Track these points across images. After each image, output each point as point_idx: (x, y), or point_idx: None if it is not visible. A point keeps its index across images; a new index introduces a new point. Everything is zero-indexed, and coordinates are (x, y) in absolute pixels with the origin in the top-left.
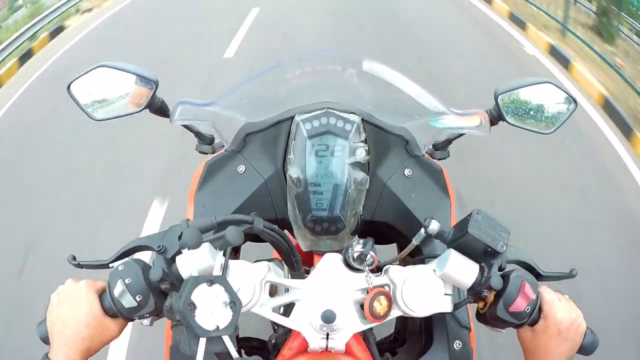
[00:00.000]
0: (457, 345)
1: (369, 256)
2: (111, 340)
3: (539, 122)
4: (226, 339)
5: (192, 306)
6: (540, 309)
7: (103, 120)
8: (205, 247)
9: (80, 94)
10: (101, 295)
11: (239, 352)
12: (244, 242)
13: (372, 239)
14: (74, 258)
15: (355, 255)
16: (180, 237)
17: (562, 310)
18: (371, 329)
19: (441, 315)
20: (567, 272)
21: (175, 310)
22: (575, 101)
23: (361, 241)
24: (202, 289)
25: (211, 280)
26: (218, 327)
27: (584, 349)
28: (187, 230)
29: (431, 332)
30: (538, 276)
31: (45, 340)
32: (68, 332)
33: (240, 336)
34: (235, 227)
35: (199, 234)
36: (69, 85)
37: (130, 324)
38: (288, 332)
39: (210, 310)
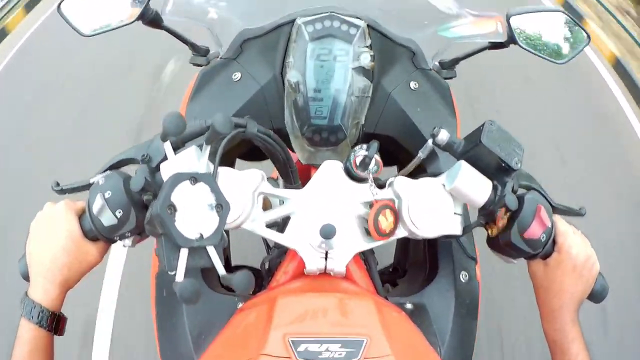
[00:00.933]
0: (463, 276)
1: (373, 161)
2: (91, 268)
3: (550, 49)
4: (211, 251)
5: (172, 209)
6: (554, 242)
7: (92, 35)
8: (192, 150)
9: (72, 13)
10: (81, 216)
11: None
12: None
13: (376, 141)
14: (57, 184)
15: (358, 159)
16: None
17: (577, 244)
18: (373, 254)
19: (447, 244)
20: (577, 209)
21: (153, 217)
22: (588, 35)
23: (364, 146)
24: (184, 187)
25: (195, 178)
26: (202, 235)
27: (594, 295)
28: (168, 115)
29: (436, 262)
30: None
31: (27, 277)
32: (45, 260)
33: (233, 264)
34: (224, 115)
35: (181, 118)
36: (59, 5)
37: (112, 247)
38: (283, 253)
39: (193, 214)
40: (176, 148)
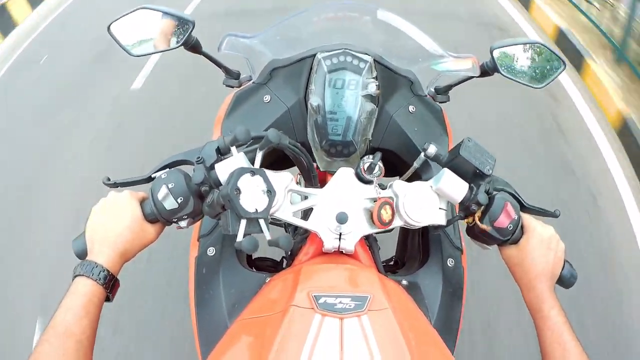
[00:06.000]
0: (450, 262)
1: (377, 167)
2: (149, 244)
3: (529, 76)
4: (262, 222)
5: (238, 191)
6: (522, 230)
7: (140, 55)
8: (241, 156)
9: (120, 34)
10: (142, 202)
11: (251, 268)
12: (266, 166)
13: (380, 152)
14: (109, 179)
15: (366, 166)
16: (218, 150)
17: (541, 225)
18: (376, 240)
19: (437, 236)
20: (551, 211)
21: (222, 196)
22: (564, 62)
23: (371, 156)
24: (246, 177)
25: (253, 171)
26: (257, 210)
27: (563, 280)
28: (238, 128)
29: (427, 251)
30: (522, 207)
31: (80, 255)
32: (110, 235)
33: (255, 257)
34: (275, 129)
35: (247, 131)
36: (109, 26)
37: (166, 228)
38: (303, 240)
39: (251, 196)
40: (224, 153)
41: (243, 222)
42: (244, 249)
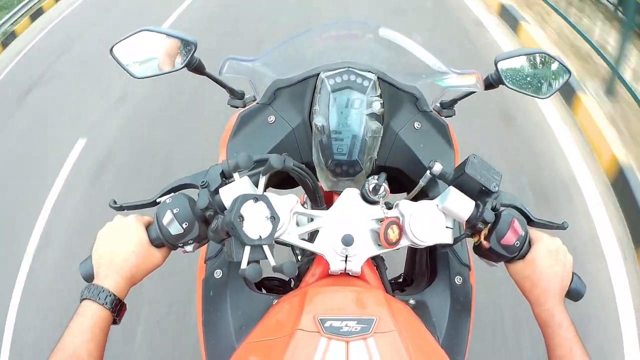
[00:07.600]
0: (458, 280)
1: (382, 187)
2: (155, 269)
3: (535, 87)
4: (266, 249)
5: (241, 218)
6: (529, 245)
7: (143, 78)
8: (246, 180)
9: (122, 56)
10: (148, 227)
11: (260, 289)
12: (266, 189)
13: (384, 173)
14: (115, 202)
15: (371, 187)
16: (222, 174)
17: (548, 237)
18: (383, 260)
19: (444, 254)
20: (559, 223)
21: (225, 223)
22: (569, 71)
23: (376, 176)
24: (249, 204)
25: (256, 198)
26: (260, 236)
27: (572, 293)
28: (240, 155)
29: (435, 269)
30: (529, 221)
31: (87, 278)
32: (117, 260)
33: (262, 277)
34: (278, 155)
35: (249, 158)
36: (112, 48)
37: (172, 253)
38: (310, 261)
39: (254, 222)
40: (228, 176)
41: (247, 249)
42: (248, 277)
